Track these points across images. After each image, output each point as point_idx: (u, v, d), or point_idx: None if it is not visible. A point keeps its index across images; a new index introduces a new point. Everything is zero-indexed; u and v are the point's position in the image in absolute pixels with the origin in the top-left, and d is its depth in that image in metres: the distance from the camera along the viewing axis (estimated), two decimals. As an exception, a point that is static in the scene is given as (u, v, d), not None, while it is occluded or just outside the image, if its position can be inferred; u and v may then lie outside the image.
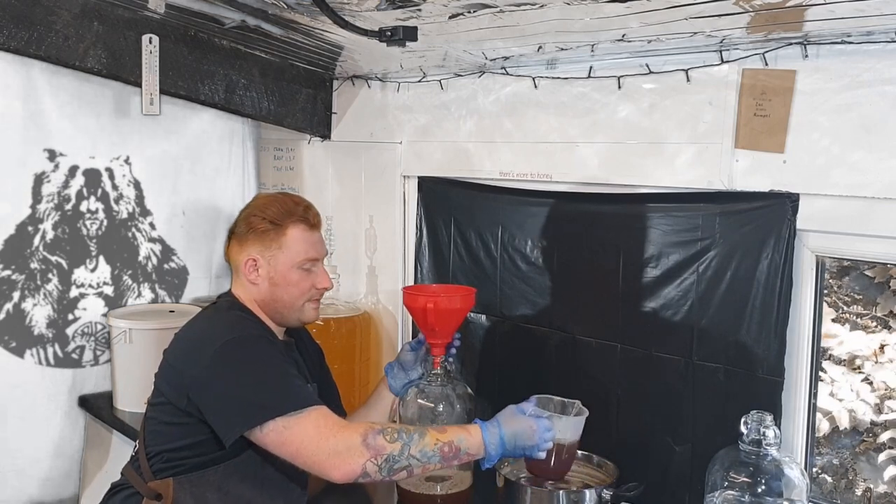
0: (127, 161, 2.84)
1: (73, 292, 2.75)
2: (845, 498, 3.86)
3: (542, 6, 1.77)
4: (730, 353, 1.94)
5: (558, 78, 2.26)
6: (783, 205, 1.84)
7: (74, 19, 2.50)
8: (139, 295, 2.91)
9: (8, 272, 2.61)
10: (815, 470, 3.49)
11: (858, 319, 4.07)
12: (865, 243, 1.78)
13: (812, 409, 1.91)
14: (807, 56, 1.78)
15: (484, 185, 2.51)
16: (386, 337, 2.91)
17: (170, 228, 2.96)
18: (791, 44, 1.79)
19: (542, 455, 1.77)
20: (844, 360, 3.95)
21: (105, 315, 2.79)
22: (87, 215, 2.77)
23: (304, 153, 3.19)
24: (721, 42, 1.86)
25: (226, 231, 2.01)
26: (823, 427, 3.77)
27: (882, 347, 3.91)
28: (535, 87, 2.32)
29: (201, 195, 3.02)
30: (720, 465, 1.75)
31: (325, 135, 3.07)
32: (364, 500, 2.18)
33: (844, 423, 3.77)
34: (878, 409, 3.81)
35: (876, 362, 3.87)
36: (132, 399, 2.62)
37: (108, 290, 2.83)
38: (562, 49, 2.10)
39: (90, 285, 2.79)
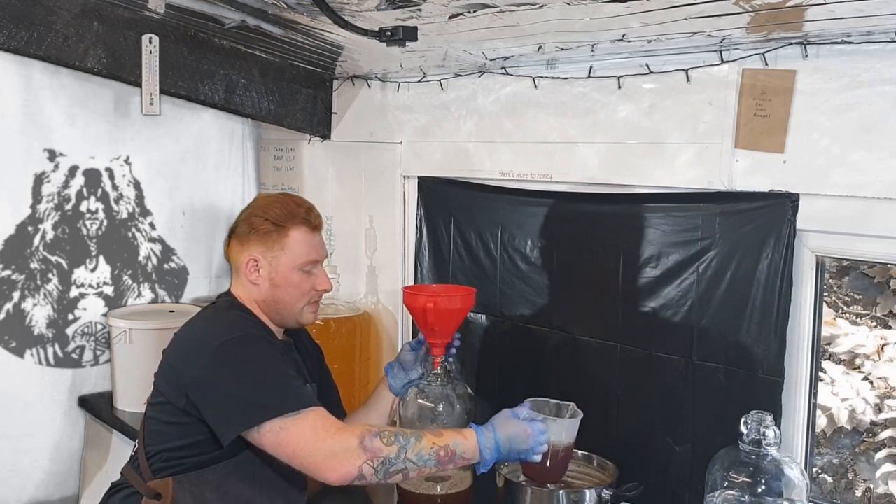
0: (127, 161, 2.84)
1: (73, 292, 2.75)
2: (845, 498, 3.86)
3: (542, 6, 1.77)
4: (730, 353, 1.94)
5: (558, 78, 2.26)
6: (783, 205, 1.84)
7: (74, 19, 2.50)
8: (139, 295, 2.91)
9: (8, 272, 2.61)
10: (815, 470, 3.49)
11: (858, 319, 4.07)
12: (865, 243, 1.78)
13: (812, 408, 1.91)
14: (807, 56, 1.78)
15: (484, 185, 2.51)
16: (386, 337, 2.91)
17: (170, 228, 2.96)
18: (791, 44, 1.79)
19: (538, 458, 1.77)
20: (844, 359, 3.95)
21: (105, 315, 2.79)
22: (87, 215, 2.77)
23: (304, 153, 3.19)
24: (721, 42, 1.86)
25: (226, 231, 2.01)
26: (821, 423, 3.76)
27: (882, 347, 3.91)
28: (535, 87, 2.32)
29: (201, 195, 3.02)
30: (720, 465, 1.75)
31: (325, 135, 3.07)
32: (364, 500, 2.18)
33: (843, 420, 3.76)
34: (878, 409, 3.81)
35: (878, 360, 3.87)
36: (132, 399, 2.62)
37: (108, 290, 2.83)
38: (562, 49, 2.10)
39: (90, 285, 2.79)
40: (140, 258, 2.90)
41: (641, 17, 1.74)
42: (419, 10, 1.95)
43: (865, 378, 3.87)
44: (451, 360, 2.12)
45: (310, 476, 1.71)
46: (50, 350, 2.71)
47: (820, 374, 1.96)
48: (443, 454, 1.67)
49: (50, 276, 2.70)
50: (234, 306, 1.91)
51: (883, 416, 3.79)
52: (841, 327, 3.89)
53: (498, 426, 1.74)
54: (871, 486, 3.80)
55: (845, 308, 4.12)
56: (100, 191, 2.78)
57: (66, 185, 2.70)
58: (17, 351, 2.64)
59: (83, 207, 2.75)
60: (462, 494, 2.08)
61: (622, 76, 2.10)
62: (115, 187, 2.81)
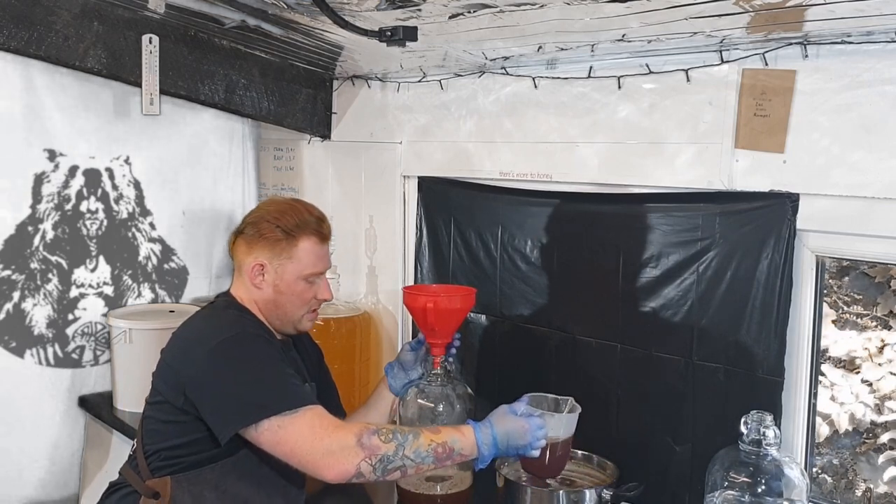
0: (127, 161, 2.84)
1: (73, 292, 2.75)
2: (845, 498, 3.86)
3: (542, 6, 1.77)
4: (730, 353, 1.94)
5: (558, 78, 2.26)
6: (783, 205, 1.84)
7: (74, 19, 2.50)
8: (139, 295, 2.91)
9: (8, 272, 2.61)
10: (815, 470, 3.48)
11: (858, 319, 4.07)
12: (865, 243, 1.78)
13: (812, 409, 1.91)
14: (807, 56, 1.78)
15: (484, 185, 2.51)
16: (386, 337, 2.91)
17: (170, 228, 2.96)
18: (791, 44, 1.78)
19: (536, 454, 1.77)
20: (844, 361, 3.95)
21: (105, 315, 2.80)
22: (87, 215, 2.77)
23: (304, 153, 3.19)
24: (721, 42, 1.86)
25: (226, 231, 2.02)
26: (823, 431, 3.76)
27: (881, 349, 3.91)
28: (535, 87, 2.32)
29: (201, 195, 3.02)
30: (720, 465, 1.75)
31: (325, 135, 3.07)
32: (364, 499, 2.18)
33: (844, 426, 3.76)
34: (879, 410, 3.81)
35: (876, 363, 3.87)
36: (132, 399, 2.62)
37: (108, 290, 2.83)
38: (562, 49, 2.10)
39: (90, 285, 2.79)
40: (140, 258, 2.90)
41: (641, 17, 1.74)
42: (419, 10, 1.95)
43: (864, 380, 3.86)
44: (451, 360, 2.12)
45: (308, 474, 1.71)
46: (50, 350, 2.71)
47: (820, 378, 1.96)
48: (440, 451, 1.68)
49: (50, 276, 2.70)
50: (232, 305, 1.91)
51: (883, 417, 3.79)
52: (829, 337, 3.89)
53: (495, 422, 1.74)
54: (871, 486, 3.80)
55: (845, 308, 4.11)
56: (100, 191, 2.78)
57: (66, 185, 2.71)
58: (17, 351, 2.64)
59: (83, 207, 2.75)
60: (462, 494, 2.08)
61: (622, 76, 2.10)
62: (115, 187, 2.82)
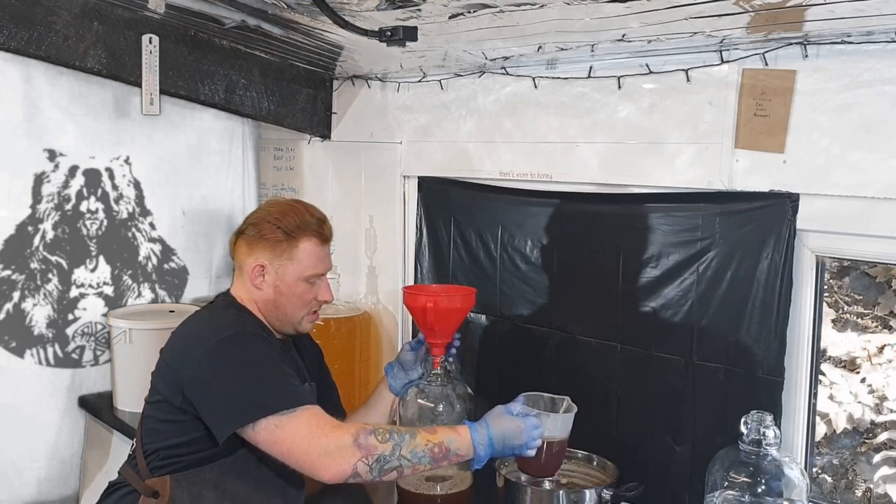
0: (127, 161, 2.84)
1: (73, 292, 2.75)
2: (845, 498, 3.86)
3: (542, 6, 1.77)
4: (730, 353, 1.94)
5: (558, 78, 2.26)
6: (783, 205, 1.84)
7: (74, 19, 2.50)
8: (139, 295, 2.91)
9: (8, 272, 2.61)
10: (815, 470, 3.49)
11: (859, 319, 4.07)
12: (865, 243, 1.78)
13: (812, 409, 1.91)
14: (807, 56, 1.78)
15: (484, 185, 2.51)
16: (386, 337, 2.91)
17: (170, 228, 2.96)
18: (791, 44, 1.78)
19: (532, 454, 1.77)
20: (844, 361, 3.95)
21: (105, 315, 2.79)
22: (87, 215, 2.77)
23: (304, 153, 3.19)
24: (721, 42, 1.86)
25: (226, 231, 2.02)
26: (821, 431, 3.76)
27: (881, 349, 3.91)
28: (535, 87, 2.32)
29: (201, 195, 3.02)
30: (720, 465, 1.75)
31: (325, 135, 3.07)
32: (363, 499, 2.18)
33: (842, 426, 3.76)
34: (878, 410, 3.81)
35: (876, 364, 3.87)
36: (132, 399, 2.62)
37: (108, 290, 2.83)
38: (562, 49, 2.10)
39: (90, 285, 2.79)
40: (140, 258, 2.90)
41: (641, 17, 1.74)
42: (419, 10, 1.95)
43: (864, 381, 3.87)
44: (451, 360, 2.12)
45: (305, 474, 1.71)
46: (50, 350, 2.71)
47: (820, 377, 1.96)
48: (437, 451, 1.68)
49: (50, 276, 2.70)
50: (231, 305, 1.91)
51: (882, 417, 3.79)
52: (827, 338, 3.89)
53: (491, 422, 1.74)
54: (871, 486, 3.80)
55: (846, 308, 4.12)
56: (100, 191, 2.78)
57: (66, 185, 2.71)
58: (17, 351, 2.64)
59: (83, 207, 2.75)
60: (462, 494, 2.08)
61: (622, 76, 2.10)
62: (115, 187, 2.81)
